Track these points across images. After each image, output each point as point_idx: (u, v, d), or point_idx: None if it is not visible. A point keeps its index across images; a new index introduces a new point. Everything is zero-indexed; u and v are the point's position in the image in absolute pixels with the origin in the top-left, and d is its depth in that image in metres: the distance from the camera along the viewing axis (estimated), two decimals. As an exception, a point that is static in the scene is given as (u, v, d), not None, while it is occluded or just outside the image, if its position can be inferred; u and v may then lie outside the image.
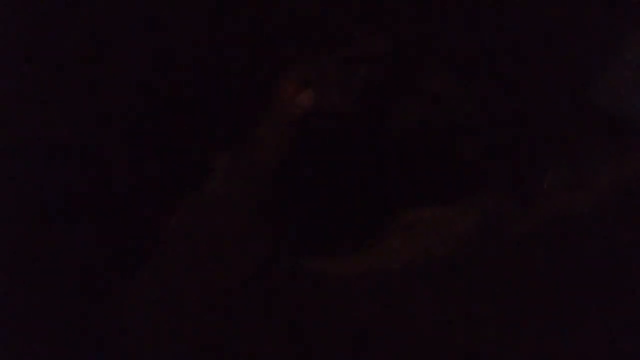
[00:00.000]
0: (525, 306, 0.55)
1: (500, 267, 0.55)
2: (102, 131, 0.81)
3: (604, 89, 0.84)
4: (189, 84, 0.81)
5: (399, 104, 0.73)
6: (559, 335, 0.54)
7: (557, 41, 0.85)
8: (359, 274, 0.56)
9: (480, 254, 0.56)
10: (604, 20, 0.82)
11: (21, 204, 0.77)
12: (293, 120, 0.64)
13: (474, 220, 0.64)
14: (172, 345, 0.55)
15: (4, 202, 0.77)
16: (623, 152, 0.54)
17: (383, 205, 0.73)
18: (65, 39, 0.78)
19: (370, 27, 0.80)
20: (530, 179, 0.77)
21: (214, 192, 0.60)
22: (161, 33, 0.81)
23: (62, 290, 0.76)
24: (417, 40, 0.71)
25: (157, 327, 0.54)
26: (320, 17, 0.81)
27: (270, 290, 0.58)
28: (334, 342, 0.56)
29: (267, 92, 0.66)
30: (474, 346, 0.54)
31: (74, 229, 0.78)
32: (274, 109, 0.66)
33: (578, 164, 0.60)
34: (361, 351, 0.56)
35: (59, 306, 0.76)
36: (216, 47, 0.82)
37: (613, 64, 0.83)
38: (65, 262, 0.78)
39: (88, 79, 0.79)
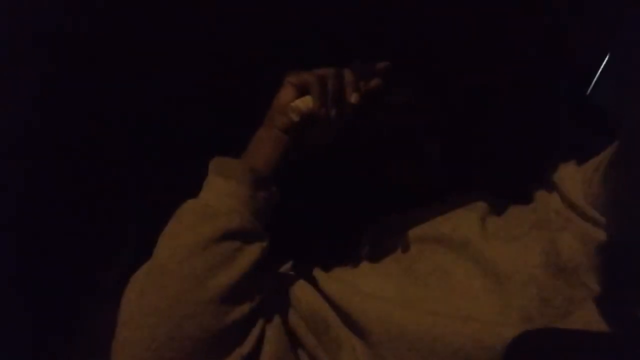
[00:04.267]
0: None
1: None
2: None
3: (604, 89, 0.83)
4: (190, 84, 0.80)
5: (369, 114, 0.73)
6: None
7: (556, 41, 0.85)
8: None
9: None
10: (604, 18, 0.81)
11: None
12: (289, 126, 0.63)
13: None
14: None
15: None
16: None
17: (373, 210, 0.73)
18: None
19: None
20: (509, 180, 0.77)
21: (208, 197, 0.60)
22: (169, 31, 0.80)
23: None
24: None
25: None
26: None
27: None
28: None
29: (268, 97, 0.65)
30: None
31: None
32: (271, 114, 0.64)
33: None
34: None
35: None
36: (219, 48, 0.81)
37: (613, 64, 0.82)
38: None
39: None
